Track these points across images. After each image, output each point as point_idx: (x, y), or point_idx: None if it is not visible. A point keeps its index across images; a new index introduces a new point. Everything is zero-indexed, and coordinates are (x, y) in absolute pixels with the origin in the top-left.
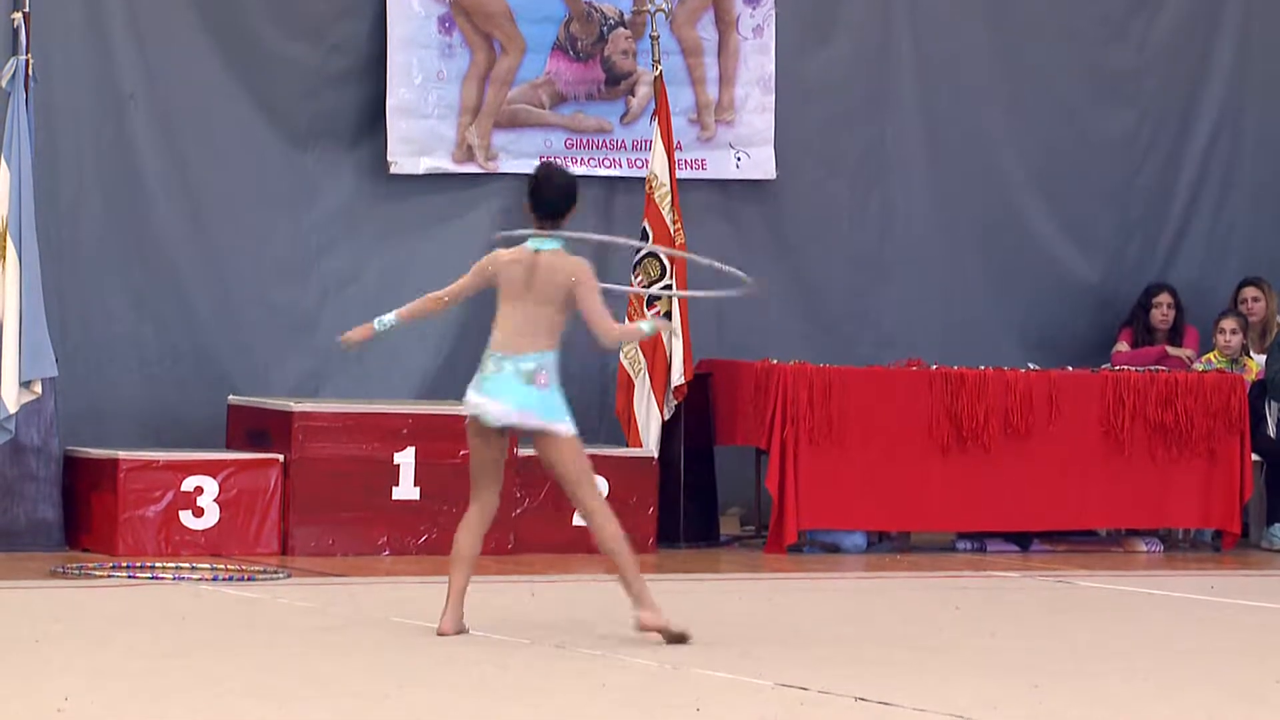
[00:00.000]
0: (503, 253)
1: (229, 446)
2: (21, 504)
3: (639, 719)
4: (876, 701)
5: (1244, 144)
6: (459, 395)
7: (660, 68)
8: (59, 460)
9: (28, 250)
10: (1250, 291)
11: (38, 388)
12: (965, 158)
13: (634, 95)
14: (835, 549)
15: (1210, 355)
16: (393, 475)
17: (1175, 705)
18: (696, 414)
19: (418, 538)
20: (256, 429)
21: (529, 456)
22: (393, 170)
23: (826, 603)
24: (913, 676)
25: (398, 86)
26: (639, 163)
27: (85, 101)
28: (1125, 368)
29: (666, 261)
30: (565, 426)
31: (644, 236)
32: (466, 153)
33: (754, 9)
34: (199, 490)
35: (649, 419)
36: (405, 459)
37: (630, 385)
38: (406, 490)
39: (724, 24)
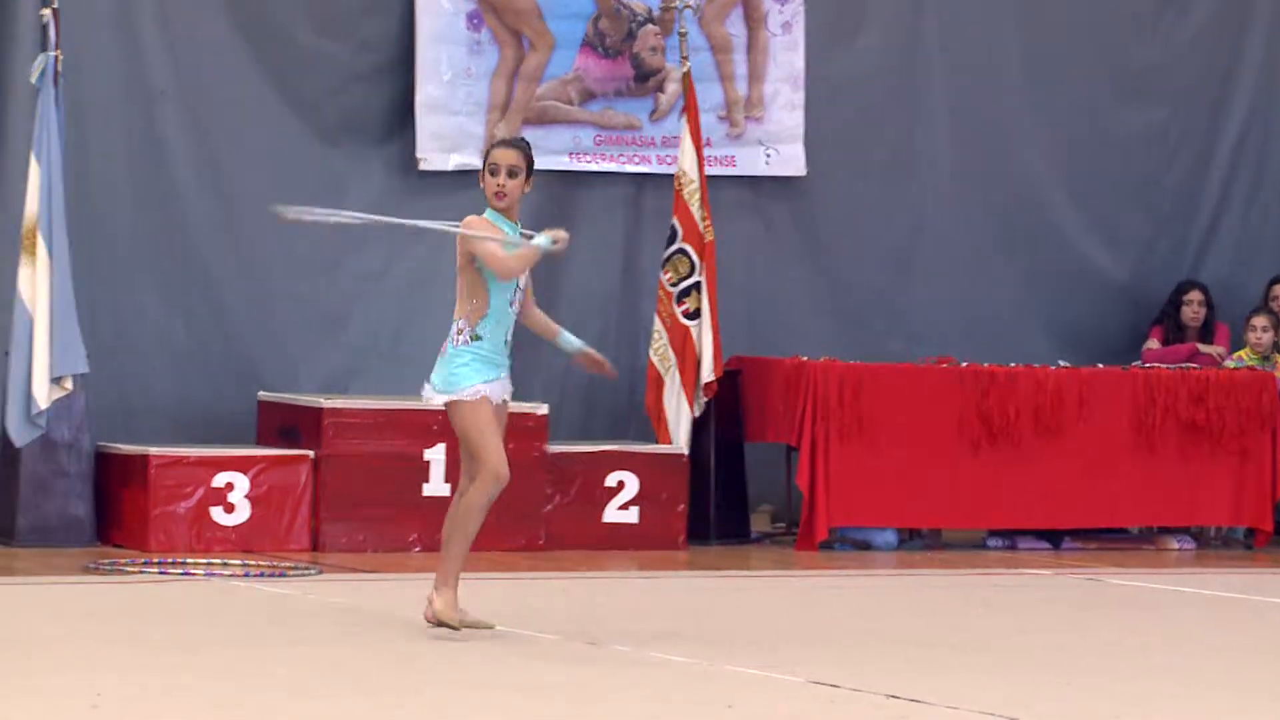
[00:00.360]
0: None
1: (259, 443)
2: (53, 500)
3: (670, 716)
4: (908, 699)
5: (1274, 140)
6: None
7: (688, 64)
8: (90, 456)
9: (58, 247)
10: None
11: (69, 384)
12: (995, 154)
13: (663, 92)
14: (866, 546)
15: (1242, 353)
16: (423, 471)
17: (1207, 703)
18: (727, 411)
19: None
20: (287, 425)
21: (560, 453)
22: (422, 167)
23: (858, 600)
24: (944, 674)
25: (426, 83)
26: (668, 159)
27: (115, 97)
28: (1156, 365)
29: (696, 259)
30: (438, 397)
31: (673, 233)
32: None
33: (783, 5)
34: (230, 486)
35: (679, 416)
36: (436, 455)
37: (660, 382)
38: (437, 486)
39: (753, 20)
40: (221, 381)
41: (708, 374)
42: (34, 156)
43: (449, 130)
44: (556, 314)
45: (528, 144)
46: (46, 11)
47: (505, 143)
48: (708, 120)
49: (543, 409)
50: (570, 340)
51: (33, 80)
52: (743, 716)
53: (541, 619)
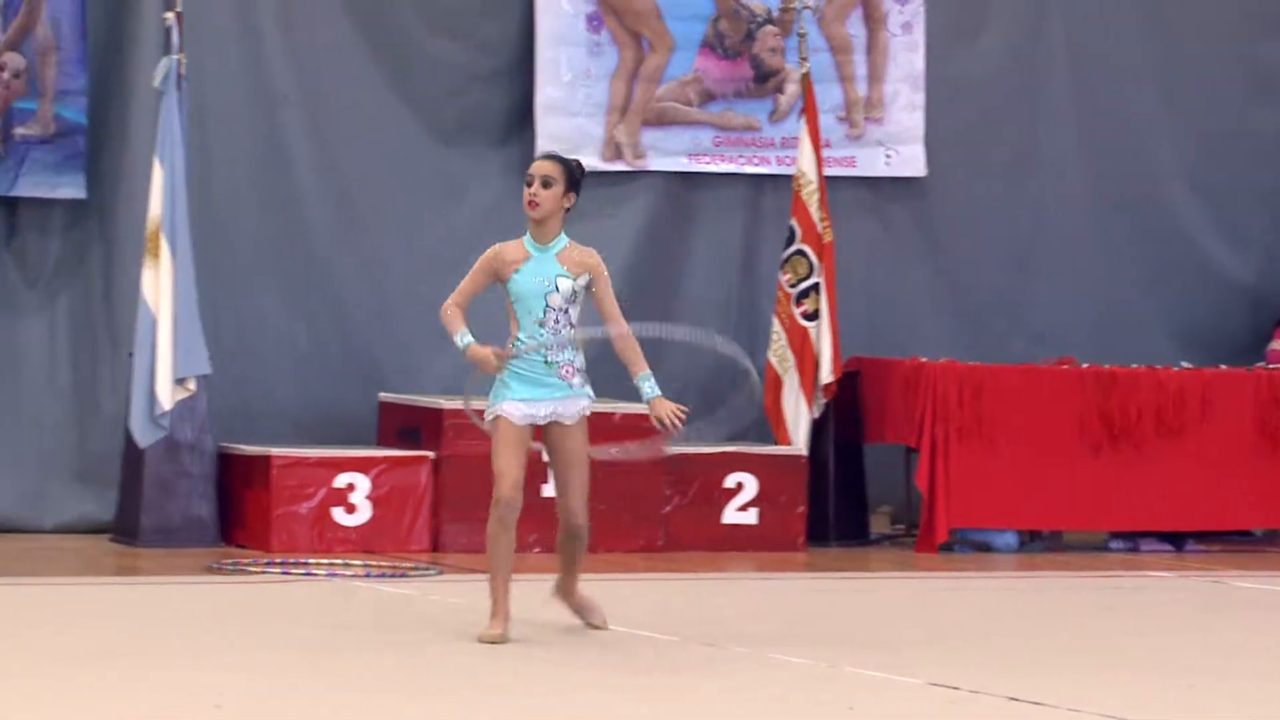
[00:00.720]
0: None
1: (380, 444)
2: (176, 501)
3: (790, 717)
4: (1028, 701)
5: None
6: (606, 392)
7: (807, 65)
8: (213, 457)
9: (181, 249)
10: None
11: (192, 385)
12: (1117, 153)
13: (782, 93)
14: (986, 548)
15: None
16: (542, 472)
17: None
18: (846, 412)
19: None
20: (408, 426)
21: (680, 454)
22: None
23: (978, 602)
24: (1065, 676)
25: (546, 84)
26: (787, 160)
27: (237, 100)
28: None
29: (815, 260)
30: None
31: (791, 234)
32: (615, 150)
33: (903, 5)
34: (351, 487)
35: (798, 417)
36: None
37: (779, 383)
38: None
39: (873, 21)
40: (342, 383)
41: (826, 375)
42: (157, 159)
43: (568, 132)
44: (675, 316)
45: (570, 161)
46: (170, 15)
47: (545, 155)
48: (827, 121)
49: None
50: (646, 389)
51: (156, 84)
52: (862, 718)
53: (660, 620)
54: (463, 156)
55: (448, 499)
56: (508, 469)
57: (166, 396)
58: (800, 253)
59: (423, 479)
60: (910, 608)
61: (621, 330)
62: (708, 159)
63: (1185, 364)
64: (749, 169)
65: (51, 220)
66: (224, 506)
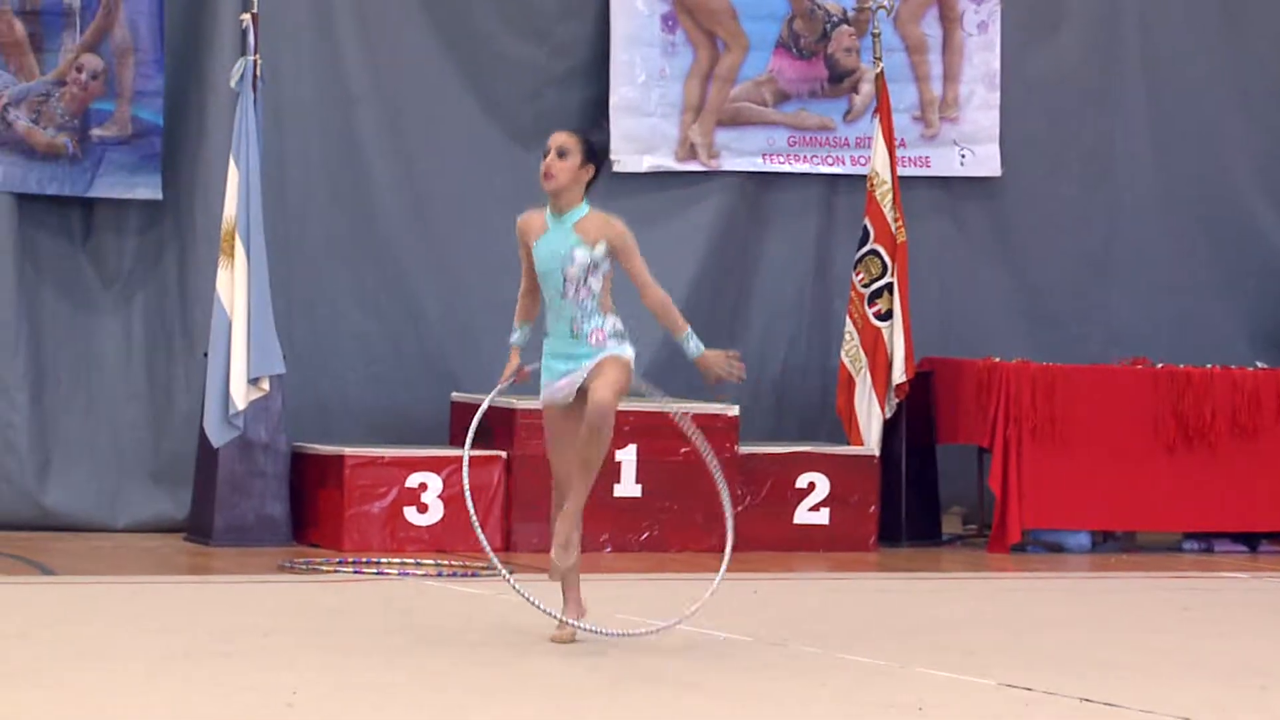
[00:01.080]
0: None
1: (453, 443)
2: (250, 500)
3: (860, 718)
4: (1101, 703)
5: None
6: (678, 392)
7: (881, 65)
8: (286, 457)
9: (256, 249)
10: None
11: (265, 385)
12: (1193, 154)
13: (857, 93)
14: (1059, 549)
15: None
16: (614, 472)
17: None
18: (918, 412)
19: (639, 534)
20: (482, 426)
21: (751, 454)
22: (615, 168)
23: (1050, 603)
24: (1138, 678)
25: (621, 85)
26: (862, 160)
27: (313, 101)
28: None
29: (888, 260)
30: None
31: (865, 234)
32: (689, 151)
33: (979, 5)
34: (423, 486)
35: (870, 417)
36: (627, 456)
37: (851, 383)
38: (628, 487)
39: (948, 20)
40: (415, 382)
41: (899, 375)
42: (233, 160)
43: (642, 132)
44: (749, 314)
45: (591, 132)
46: (246, 16)
47: (565, 128)
48: (902, 121)
49: (734, 410)
50: (691, 346)
51: (232, 84)
52: (934, 718)
53: (731, 620)
54: (538, 158)
55: (519, 498)
56: (560, 464)
57: (241, 396)
58: (874, 253)
59: (494, 479)
60: (982, 608)
61: (655, 297)
62: (782, 159)
63: (1260, 365)
64: (823, 169)
65: (127, 221)
66: (297, 506)
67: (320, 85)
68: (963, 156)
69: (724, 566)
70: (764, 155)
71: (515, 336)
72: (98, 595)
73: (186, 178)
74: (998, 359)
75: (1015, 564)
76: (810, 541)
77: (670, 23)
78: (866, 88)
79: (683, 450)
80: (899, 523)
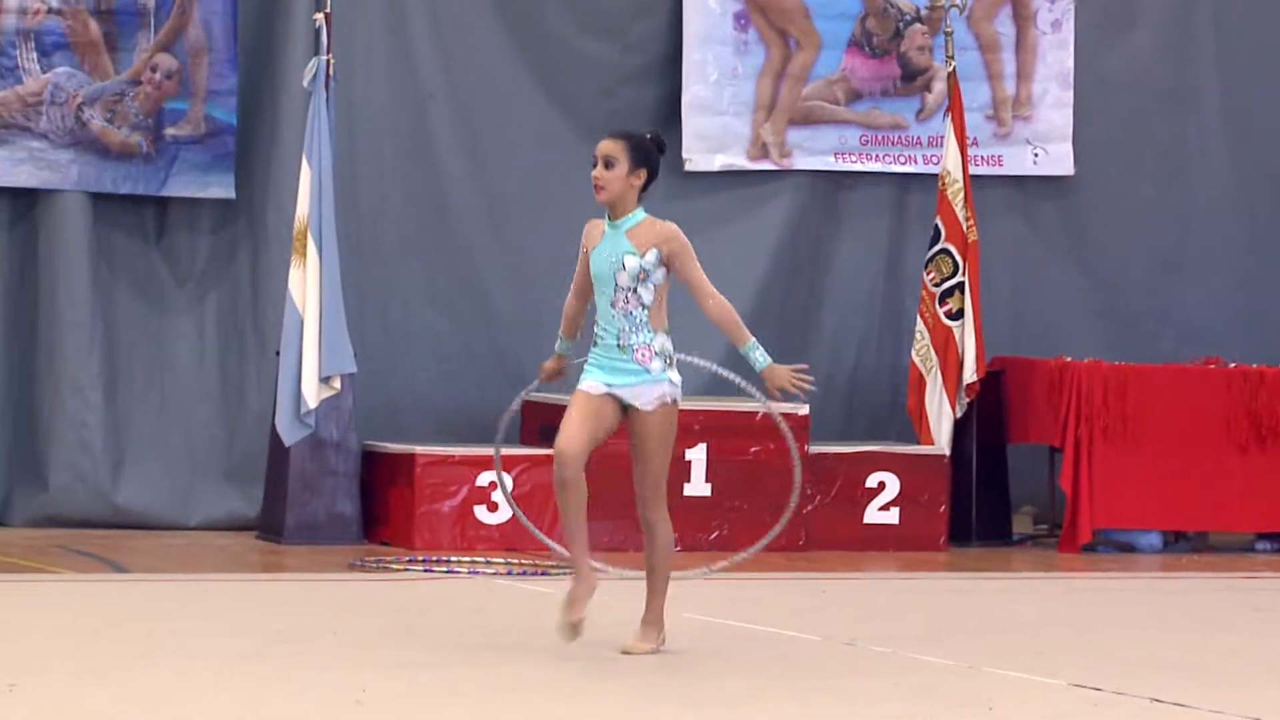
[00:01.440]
0: None
1: (523, 442)
2: (321, 498)
3: (930, 717)
4: (1171, 703)
5: None
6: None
7: (954, 63)
8: (357, 455)
9: (328, 248)
10: None
11: (337, 384)
12: (1268, 151)
13: (930, 91)
14: (1130, 549)
15: None
16: (684, 471)
17: None
18: (989, 411)
19: (709, 534)
20: (550, 425)
21: (821, 453)
22: (687, 167)
23: (1121, 603)
24: (1209, 679)
25: (693, 84)
26: (933, 159)
27: (385, 100)
28: None
29: (959, 259)
30: None
31: (937, 233)
32: (761, 149)
33: (1052, 3)
34: (494, 485)
35: (941, 417)
36: (697, 455)
37: (922, 383)
38: (698, 486)
39: (1022, 19)
40: (487, 381)
41: (970, 375)
42: (305, 159)
43: (714, 130)
44: (820, 314)
45: (635, 136)
46: (319, 16)
47: (612, 133)
48: (975, 119)
49: (804, 410)
50: (757, 357)
51: (305, 83)
52: (1004, 718)
53: (801, 620)
54: None
55: (590, 498)
56: (568, 428)
57: (312, 395)
58: (945, 252)
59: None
60: (1053, 608)
61: (717, 306)
62: (854, 158)
63: None
64: (895, 168)
65: (200, 220)
66: (368, 504)
67: (393, 84)
68: (1035, 155)
69: (770, 535)
70: (836, 154)
71: (560, 345)
72: (170, 593)
73: (259, 177)
74: (1069, 358)
75: (1086, 564)
76: (880, 541)
77: (743, 21)
78: (939, 86)
79: (752, 449)
80: (969, 522)
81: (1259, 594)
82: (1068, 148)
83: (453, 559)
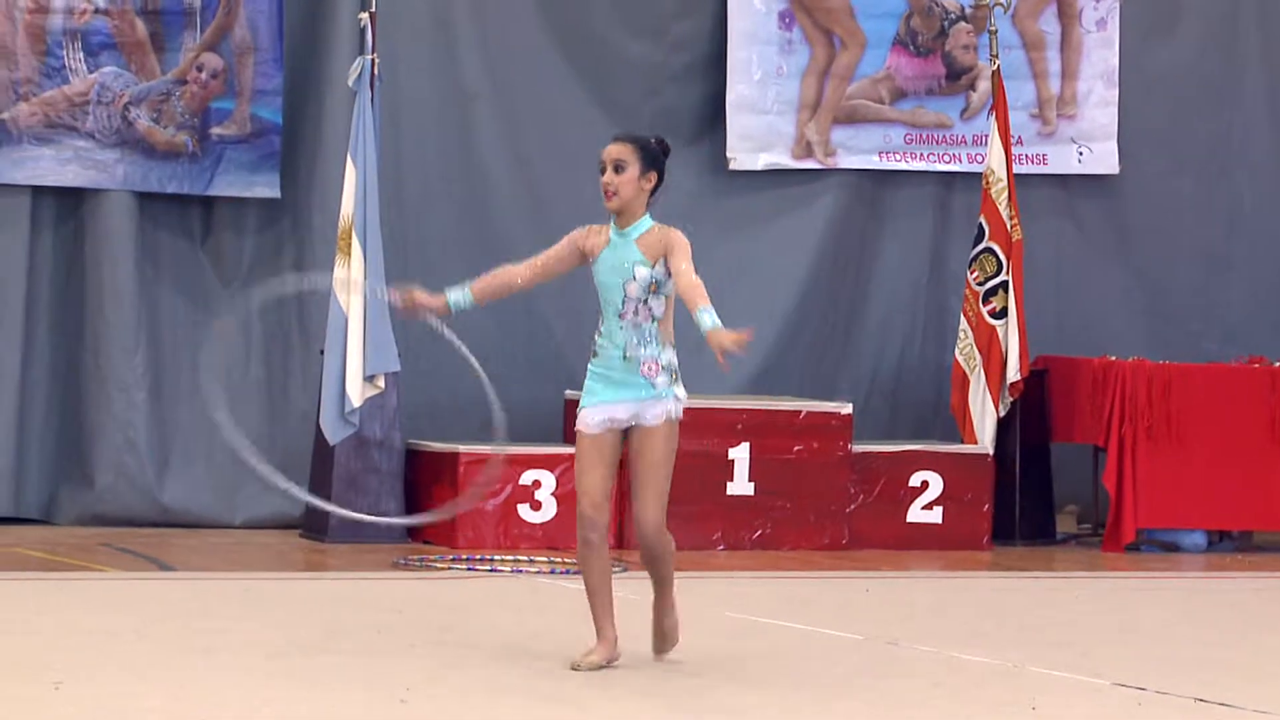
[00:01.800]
0: None
1: (567, 441)
2: (365, 496)
3: (973, 716)
4: (1216, 703)
5: None
6: (791, 390)
7: (998, 62)
8: (401, 453)
9: (372, 247)
10: None
11: (381, 382)
12: None
13: (974, 90)
14: (1174, 548)
15: None
16: (727, 470)
17: None
18: (1033, 410)
19: (752, 532)
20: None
21: (864, 452)
22: (732, 166)
23: (1165, 602)
24: (1254, 678)
25: (737, 83)
26: (978, 158)
27: (430, 100)
28: None
29: (1003, 258)
30: None
31: (980, 232)
32: (805, 148)
33: (1097, 2)
34: (537, 484)
35: (984, 415)
36: (740, 454)
37: (965, 382)
38: (741, 485)
39: (1066, 17)
40: (530, 380)
41: (1013, 373)
42: (350, 158)
43: (758, 130)
44: (864, 312)
45: (643, 138)
46: (364, 15)
47: (617, 137)
48: (1020, 118)
49: (847, 408)
50: (706, 320)
51: (350, 83)
52: (1047, 718)
53: (844, 618)
54: None
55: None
56: (588, 487)
57: (356, 394)
58: (989, 250)
59: None
60: (1096, 608)
61: (686, 279)
62: (898, 157)
63: None
64: (939, 167)
65: (246, 219)
66: (411, 502)
67: (437, 84)
68: (1080, 154)
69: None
70: (880, 153)
71: (458, 295)
72: (215, 591)
73: (304, 176)
74: (1113, 357)
75: (1130, 563)
76: (923, 540)
77: (787, 20)
78: (983, 85)
79: (795, 448)
80: (1013, 521)
81: None
82: (1112, 146)
83: (496, 558)
